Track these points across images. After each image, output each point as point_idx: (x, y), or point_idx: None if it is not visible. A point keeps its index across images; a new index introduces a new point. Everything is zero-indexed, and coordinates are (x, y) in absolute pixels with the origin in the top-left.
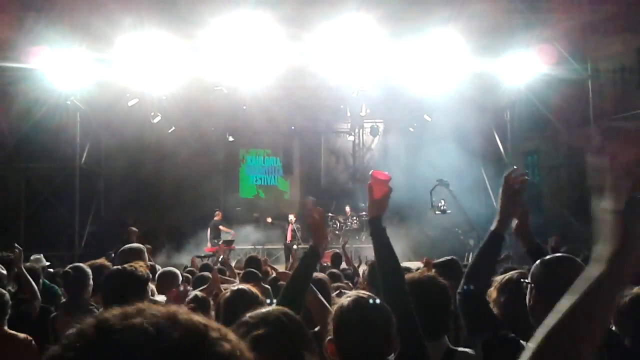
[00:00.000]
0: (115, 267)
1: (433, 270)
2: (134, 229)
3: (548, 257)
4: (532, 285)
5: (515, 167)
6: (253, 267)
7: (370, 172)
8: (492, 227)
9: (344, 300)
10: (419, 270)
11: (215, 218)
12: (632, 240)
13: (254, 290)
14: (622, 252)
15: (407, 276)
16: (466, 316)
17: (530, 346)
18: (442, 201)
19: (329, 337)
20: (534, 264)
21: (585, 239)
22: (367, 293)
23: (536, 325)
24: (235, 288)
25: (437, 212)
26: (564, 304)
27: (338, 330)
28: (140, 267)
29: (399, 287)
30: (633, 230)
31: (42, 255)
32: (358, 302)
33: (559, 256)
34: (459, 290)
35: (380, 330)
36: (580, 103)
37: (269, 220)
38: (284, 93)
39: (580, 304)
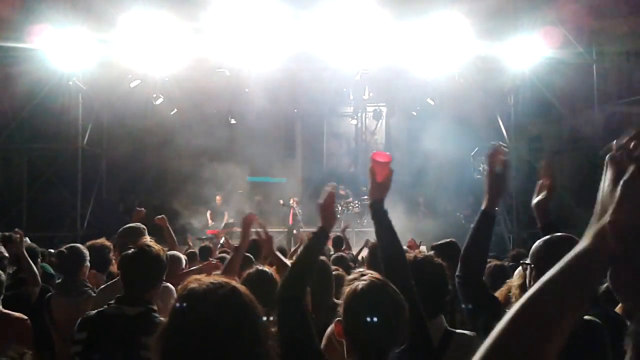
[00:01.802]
0: (136, 248)
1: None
2: (141, 209)
3: (548, 236)
4: (532, 265)
5: (498, 142)
6: (252, 252)
7: (370, 155)
8: (482, 206)
9: (359, 282)
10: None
11: (217, 203)
12: (631, 213)
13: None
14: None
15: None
16: (466, 299)
17: (505, 316)
18: (482, 165)
19: (338, 318)
20: (535, 244)
21: (587, 224)
22: (381, 277)
23: None
24: (257, 268)
25: (477, 176)
26: (543, 278)
27: (349, 312)
28: (158, 248)
29: (401, 270)
30: (636, 203)
31: (27, 238)
32: (371, 285)
33: (560, 235)
34: (457, 274)
35: (392, 318)
36: (585, 87)
37: (282, 202)
38: (286, 76)
39: (556, 277)
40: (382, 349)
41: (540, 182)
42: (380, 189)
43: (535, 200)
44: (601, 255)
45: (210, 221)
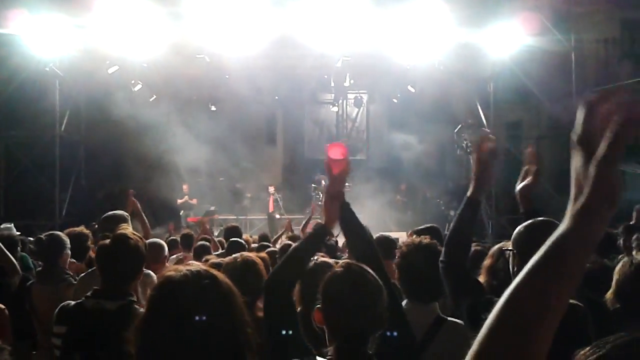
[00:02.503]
0: (113, 238)
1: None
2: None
3: (530, 221)
4: (515, 252)
5: (486, 130)
6: (235, 237)
7: (325, 147)
8: (468, 193)
9: (336, 268)
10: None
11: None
12: (607, 192)
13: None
14: (593, 205)
15: (405, 242)
16: (449, 283)
17: (496, 305)
18: (465, 141)
19: (317, 305)
20: (516, 230)
21: (565, 211)
22: (359, 264)
23: None
24: (244, 257)
25: (460, 152)
26: (528, 264)
27: (327, 298)
28: (136, 238)
29: (373, 260)
30: (611, 182)
31: (12, 224)
32: (349, 271)
33: (541, 220)
34: (441, 259)
35: (370, 301)
36: (564, 75)
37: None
38: (267, 62)
39: (540, 262)
40: (362, 332)
41: (525, 167)
42: (337, 181)
43: (519, 185)
44: (582, 236)
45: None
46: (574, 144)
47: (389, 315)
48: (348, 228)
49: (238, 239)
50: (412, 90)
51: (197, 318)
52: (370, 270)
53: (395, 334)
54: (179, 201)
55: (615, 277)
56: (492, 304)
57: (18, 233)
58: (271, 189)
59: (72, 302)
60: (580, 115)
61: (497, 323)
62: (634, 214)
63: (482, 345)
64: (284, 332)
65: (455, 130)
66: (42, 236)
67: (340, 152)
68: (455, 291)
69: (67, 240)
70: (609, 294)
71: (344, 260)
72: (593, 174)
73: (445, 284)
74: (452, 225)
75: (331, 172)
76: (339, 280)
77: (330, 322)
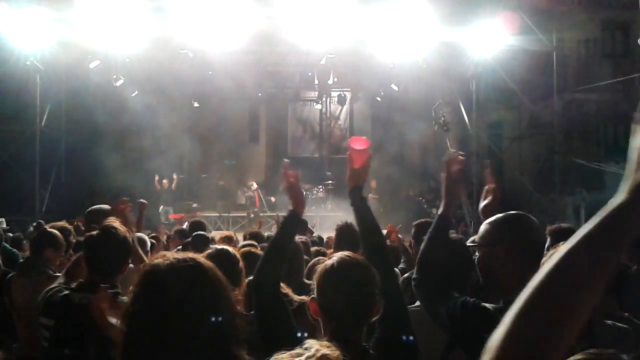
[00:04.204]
0: (100, 230)
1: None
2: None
3: (492, 217)
4: (479, 245)
5: (453, 151)
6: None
7: (348, 141)
8: (439, 211)
9: (329, 260)
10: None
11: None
12: None
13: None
14: None
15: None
16: (423, 299)
17: (541, 269)
18: (443, 117)
19: (312, 296)
20: (483, 225)
21: (544, 209)
22: (352, 254)
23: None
24: (218, 248)
25: (436, 127)
26: (579, 232)
27: (322, 289)
28: (124, 229)
29: (382, 256)
30: None
31: (3, 219)
32: (343, 261)
33: (503, 215)
34: (413, 277)
35: (364, 289)
36: (545, 75)
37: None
38: (251, 59)
39: (593, 231)
40: (356, 322)
41: (486, 187)
42: (358, 175)
43: (482, 204)
44: (638, 208)
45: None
46: (637, 120)
47: (392, 313)
48: (362, 221)
49: (202, 232)
50: (396, 88)
51: (184, 309)
52: (366, 262)
53: (411, 338)
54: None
55: None
56: (471, 305)
57: (7, 228)
58: (253, 185)
59: (59, 294)
60: None
61: (544, 285)
62: None
63: (527, 302)
64: (299, 334)
65: (434, 107)
66: (30, 229)
67: (363, 143)
68: (429, 302)
69: (54, 235)
70: None
71: (339, 252)
72: None
73: (419, 299)
74: (424, 243)
75: (352, 165)
76: (333, 271)
77: (325, 313)
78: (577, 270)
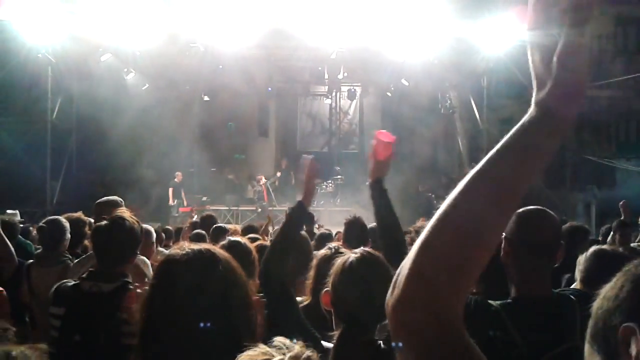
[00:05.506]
0: (109, 220)
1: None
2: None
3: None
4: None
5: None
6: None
7: (375, 133)
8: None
9: (351, 255)
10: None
11: (175, 180)
12: (577, 73)
13: (249, 244)
14: (559, 87)
15: None
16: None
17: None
18: (449, 101)
19: (326, 288)
20: None
21: (555, 206)
22: (374, 252)
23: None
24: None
25: (443, 111)
26: (494, 149)
27: (337, 285)
28: (133, 219)
29: (401, 249)
30: (581, 62)
31: (17, 211)
32: (363, 260)
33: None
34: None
35: (380, 293)
36: None
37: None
38: (261, 53)
39: (506, 143)
40: (368, 322)
41: None
42: (381, 167)
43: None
44: (548, 121)
45: (171, 199)
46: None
47: None
48: (380, 216)
49: (221, 225)
50: (406, 83)
51: (200, 298)
52: (384, 260)
53: None
54: (170, 192)
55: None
56: (475, 303)
57: (21, 220)
58: (263, 179)
59: (69, 283)
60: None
61: (459, 200)
62: (621, 210)
63: (444, 214)
64: (282, 316)
65: (440, 93)
66: (43, 224)
67: (389, 137)
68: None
69: (68, 226)
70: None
71: (359, 249)
72: (557, 57)
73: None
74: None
75: (375, 157)
76: (351, 267)
77: (337, 308)
78: (490, 184)
